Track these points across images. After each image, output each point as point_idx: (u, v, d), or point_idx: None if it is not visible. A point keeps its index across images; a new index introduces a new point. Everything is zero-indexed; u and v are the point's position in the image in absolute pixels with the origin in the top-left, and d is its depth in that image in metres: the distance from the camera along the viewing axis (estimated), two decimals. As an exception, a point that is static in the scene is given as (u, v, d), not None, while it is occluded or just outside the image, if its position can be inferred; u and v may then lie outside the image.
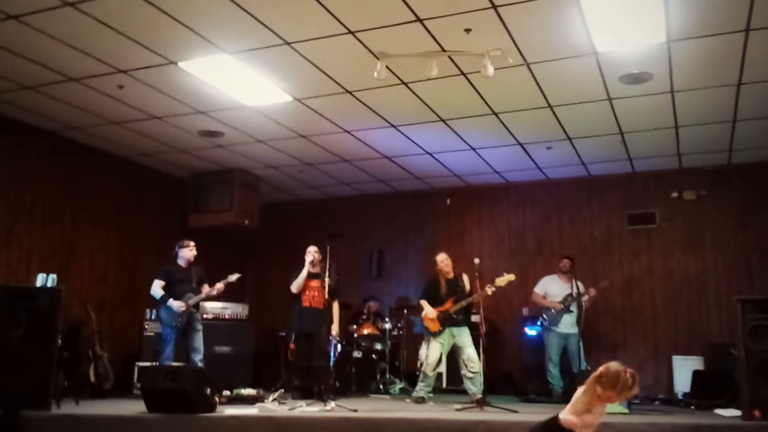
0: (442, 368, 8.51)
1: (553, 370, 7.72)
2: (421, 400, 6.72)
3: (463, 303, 6.74)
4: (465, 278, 6.94)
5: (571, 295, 7.73)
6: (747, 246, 8.37)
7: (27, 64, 5.98)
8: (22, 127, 7.43)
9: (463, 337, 6.75)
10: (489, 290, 6.57)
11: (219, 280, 6.91)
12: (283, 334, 8.78)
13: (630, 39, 5.39)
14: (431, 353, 6.77)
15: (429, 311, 6.84)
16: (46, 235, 7.66)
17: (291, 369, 7.65)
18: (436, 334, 6.78)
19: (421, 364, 6.92)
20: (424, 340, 7.03)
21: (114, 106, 6.98)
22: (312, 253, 7.21)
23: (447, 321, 6.75)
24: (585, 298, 7.75)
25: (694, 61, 5.74)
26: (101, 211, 8.39)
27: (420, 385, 6.86)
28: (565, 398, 6.85)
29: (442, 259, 7.00)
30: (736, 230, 8.47)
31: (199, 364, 6.71)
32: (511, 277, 6.67)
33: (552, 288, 7.97)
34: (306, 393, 6.91)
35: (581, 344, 7.55)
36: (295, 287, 7.17)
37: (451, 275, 6.97)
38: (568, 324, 7.69)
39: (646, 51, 5.57)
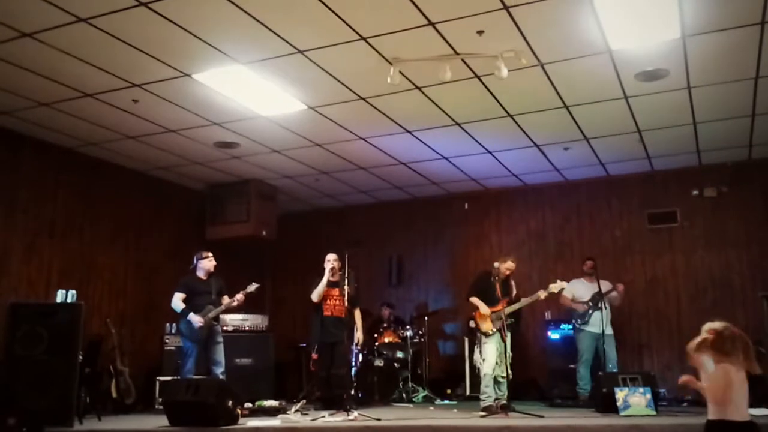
0: (466, 377, 8.46)
1: (583, 371, 7.53)
2: (491, 410, 6.12)
3: (516, 306, 6.54)
4: (512, 282, 6.77)
5: (599, 292, 7.60)
6: (771, 241, 8.20)
7: (42, 81, 6.03)
8: (40, 143, 7.50)
9: (509, 343, 6.39)
10: (542, 294, 6.47)
11: (238, 292, 6.93)
12: (304, 344, 8.76)
13: (644, 35, 5.31)
14: (488, 354, 6.41)
15: (483, 309, 6.50)
16: (65, 251, 7.70)
17: (313, 379, 7.61)
18: (488, 335, 6.47)
19: (478, 369, 6.67)
20: (475, 345, 6.86)
21: (129, 121, 7.02)
22: (331, 261, 7.13)
23: (498, 322, 6.40)
24: (614, 294, 7.67)
25: (710, 56, 5.65)
26: (119, 225, 8.44)
27: (486, 391, 6.33)
28: (591, 402, 6.79)
29: (510, 266, 6.67)
30: (758, 226, 8.31)
31: (221, 377, 6.69)
32: (564, 284, 6.60)
33: (579, 289, 7.81)
34: (328, 403, 6.84)
35: (614, 346, 7.45)
36: (315, 296, 7.09)
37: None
38: (599, 323, 7.50)
39: (661, 47, 5.49)
